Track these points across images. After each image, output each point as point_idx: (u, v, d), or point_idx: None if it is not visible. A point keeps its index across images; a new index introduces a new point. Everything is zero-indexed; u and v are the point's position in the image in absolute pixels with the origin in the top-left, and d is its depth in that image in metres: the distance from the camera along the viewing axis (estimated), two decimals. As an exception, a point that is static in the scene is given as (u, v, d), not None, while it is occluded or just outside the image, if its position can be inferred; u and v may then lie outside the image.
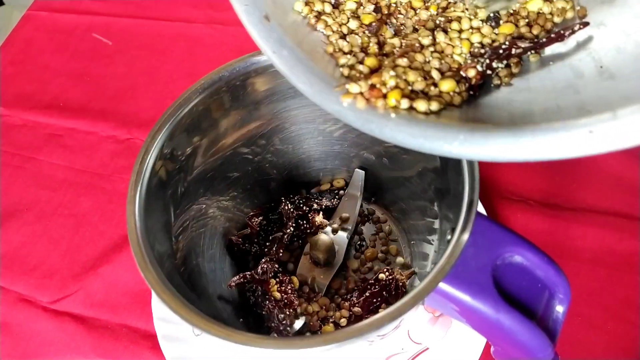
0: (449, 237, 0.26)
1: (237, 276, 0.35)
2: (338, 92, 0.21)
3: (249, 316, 0.35)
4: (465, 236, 0.24)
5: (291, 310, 0.33)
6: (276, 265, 0.34)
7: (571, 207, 0.45)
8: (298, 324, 0.34)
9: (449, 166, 0.28)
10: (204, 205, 0.35)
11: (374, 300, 0.34)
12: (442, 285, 0.24)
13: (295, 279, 0.36)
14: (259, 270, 0.33)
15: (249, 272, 0.35)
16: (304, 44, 0.23)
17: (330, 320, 0.35)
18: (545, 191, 0.46)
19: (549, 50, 0.24)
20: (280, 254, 0.36)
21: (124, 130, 0.53)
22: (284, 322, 0.32)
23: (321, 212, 0.38)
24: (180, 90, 0.32)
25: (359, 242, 0.38)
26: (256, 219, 0.37)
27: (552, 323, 0.26)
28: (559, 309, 0.26)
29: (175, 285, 0.26)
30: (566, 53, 0.24)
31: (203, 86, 0.32)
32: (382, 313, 0.23)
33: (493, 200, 0.45)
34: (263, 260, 0.34)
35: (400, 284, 0.34)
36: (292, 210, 0.37)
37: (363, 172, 0.39)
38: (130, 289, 0.44)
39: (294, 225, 0.36)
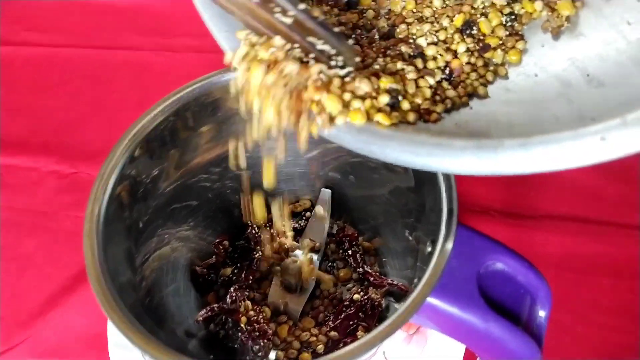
0: (429, 249, 0.26)
1: (204, 310, 0.33)
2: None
3: (220, 351, 0.33)
4: (449, 247, 0.23)
5: (265, 340, 0.31)
6: (246, 293, 0.32)
7: (532, 214, 0.46)
8: (273, 354, 0.32)
9: (424, 178, 0.27)
10: (164, 237, 0.34)
11: (350, 322, 0.33)
12: (429, 299, 0.23)
13: (266, 309, 0.34)
14: (227, 300, 0.31)
15: (216, 305, 0.33)
16: None
17: (307, 349, 0.33)
18: (506, 201, 0.47)
19: (531, 64, 0.25)
20: (250, 281, 0.34)
21: (68, 164, 0.51)
22: (260, 354, 0.30)
23: (289, 235, 0.37)
24: (129, 120, 0.31)
25: (329, 264, 0.37)
26: (223, 246, 0.36)
27: (536, 328, 0.25)
28: (542, 313, 0.26)
29: (143, 324, 0.24)
30: (549, 64, 0.24)
31: (156, 113, 0.30)
32: (375, 332, 0.21)
33: (456, 213, 0.45)
34: (232, 289, 0.32)
35: (376, 303, 0.33)
36: (259, 234, 0.35)
37: (330, 191, 0.38)
38: (84, 334, 0.41)
39: (262, 249, 0.35)
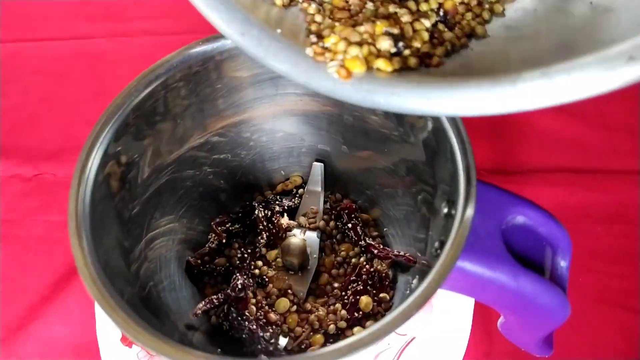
0: (445, 210, 0.24)
1: (203, 302, 0.31)
2: (329, 66, 0.19)
3: (225, 344, 0.31)
4: (472, 204, 0.22)
5: (274, 326, 0.30)
6: (250, 280, 0.31)
7: (520, 170, 0.45)
8: (284, 341, 0.30)
9: (427, 137, 0.26)
10: (153, 227, 0.31)
11: (359, 297, 0.32)
12: (458, 262, 0.21)
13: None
14: (238, 284, 0.29)
15: (215, 296, 0.31)
16: (271, 21, 0.21)
17: (318, 330, 0.31)
18: (492, 160, 0.47)
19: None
20: (252, 267, 0.32)
21: (29, 166, 0.47)
22: (271, 340, 0.28)
23: (285, 214, 0.35)
24: (88, 113, 0.29)
25: (330, 240, 0.35)
26: (222, 227, 0.33)
27: (559, 279, 0.25)
28: (563, 263, 0.25)
29: (144, 319, 0.22)
30: (545, -1, 0.23)
31: (130, 96, 0.28)
32: (409, 300, 0.20)
33: (446, 176, 0.44)
34: (237, 275, 0.30)
35: (383, 274, 0.32)
36: (264, 216, 0.33)
37: (321, 164, 0.36)
38: (70, 343, 0.38)
39: (267, 232, 0.33)
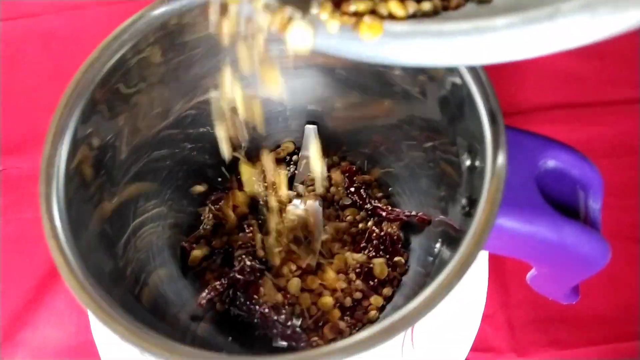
0: (468, 162, 0.22)
1: (206, 290, 0.28)
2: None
3: (234, 330, 0.29)
4: (503, 154, 0.19)
5: (288, 306, 0.27)
6: (256, 260, 0.28)
7: (518, 110, 0.44)
8: (298, 321, 0.28)
9: (439, 85, 0.23)
10: (140, 215, 0.28)
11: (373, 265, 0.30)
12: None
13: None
14: (246, 267, 0.27)
15: (218, 282, 0.28)
16: None
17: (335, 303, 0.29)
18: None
19: None
20: (256, 247, 0.30)
21: (-9, 162, 0.43)
22: (288, 323, 0.26)
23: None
24: (48, 96, 0.26)
25: (333, 206, 0.33)
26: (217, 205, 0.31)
27: (593, 223, 0.23)
28: (596, 206, 0.23)
29: (139, 317, 0.20)
30: None
31: (93, 70, 0.24)
32: (447, 270, 0.18)
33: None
34: (242, 256, 0.28)
35: (395, 237, 0.30)
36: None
37: (314, 126, 0.33)
38: (65, 347, 0.36)
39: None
